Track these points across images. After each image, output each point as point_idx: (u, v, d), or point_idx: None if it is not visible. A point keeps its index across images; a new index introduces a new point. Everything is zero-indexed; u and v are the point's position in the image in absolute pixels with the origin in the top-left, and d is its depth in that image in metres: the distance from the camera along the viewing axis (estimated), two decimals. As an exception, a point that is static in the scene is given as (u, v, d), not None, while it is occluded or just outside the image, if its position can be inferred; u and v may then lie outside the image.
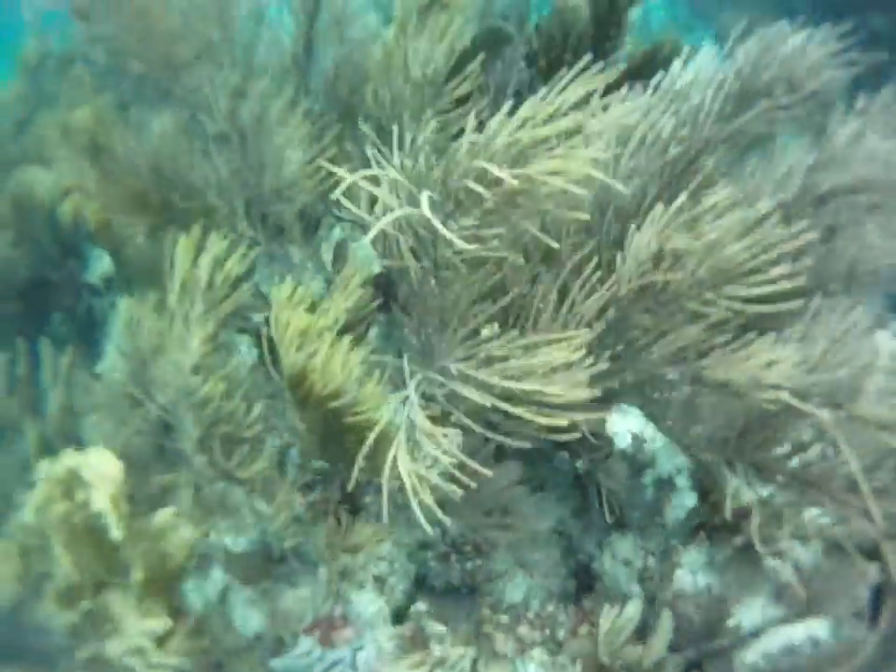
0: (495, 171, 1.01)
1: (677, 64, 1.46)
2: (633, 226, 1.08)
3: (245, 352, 2.07)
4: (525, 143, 1.02)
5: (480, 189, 1.02)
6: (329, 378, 1.34)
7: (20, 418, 1.90)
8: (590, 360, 1.07)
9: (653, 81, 1.45)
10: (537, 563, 1.59)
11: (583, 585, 1.87)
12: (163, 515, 1.42)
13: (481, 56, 1.40)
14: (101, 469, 1.32)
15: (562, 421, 1.06)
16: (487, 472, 1.12)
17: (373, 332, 1.93)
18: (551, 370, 1.06)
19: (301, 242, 1.71)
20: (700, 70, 1.43)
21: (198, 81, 1.59)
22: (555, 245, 1.07)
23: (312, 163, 1.51)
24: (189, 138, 1.68)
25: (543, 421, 1.06)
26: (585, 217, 1.10)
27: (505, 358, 1.07)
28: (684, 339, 1.10)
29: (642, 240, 1.06)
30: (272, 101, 1.45)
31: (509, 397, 1.09)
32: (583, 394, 1.04)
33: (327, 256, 2.03)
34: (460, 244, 1.03)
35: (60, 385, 1.88)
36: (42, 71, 2.57)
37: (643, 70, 1.82)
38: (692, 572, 1.82)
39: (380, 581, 1.82)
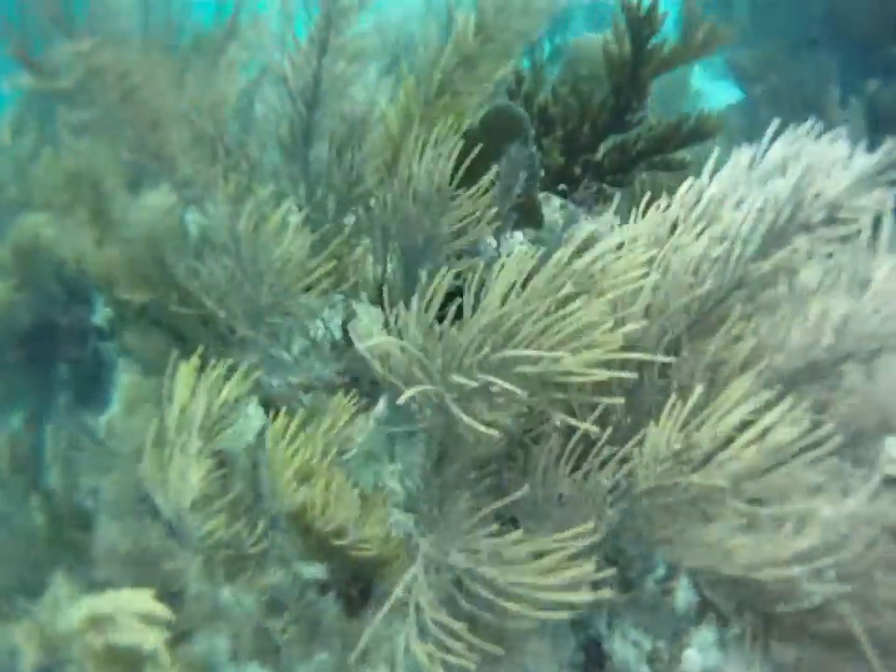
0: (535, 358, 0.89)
1: (706, 174, 1.29)
2: (651, 423, 0.95)
3: (253, 412, 1.97)
4: (558, 340, 0.89)
5: (510, 386, 0.90)
6: (329, 518, 1.24)
7: (24, 493, 1.81)
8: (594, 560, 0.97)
9: (680, 191, 1.29)
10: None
11: (592, 660, 1.81)
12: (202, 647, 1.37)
13: (493, 171, 1.24)
14: (144, 610, 1.23)
15: (562, 614, 0.98)
16: (499, 650, 1.04)
17: (382, 405, 1.82)
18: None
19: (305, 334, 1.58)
20: (730, 184, 1.27)
21: (191, 173, 1.44)
22: (593, 430, 0.96)
23: (313, 272, 1.37)
24: (183, 233, 1.54)
25: (543, 616, 0.99)
26: (620, 401, 0.98)
27: (509, 560, 0.97)
28: (701, 540, 0.98)
29: (661, 437, 0.94)
30: (269, 210, 1.30)
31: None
32: (586, 597, 0.95)
33: (334, 324, 1.91)
34: (480, 428, 0.93)
35: (62, 462, 1.79)
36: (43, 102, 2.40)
37: (666, 145, 1.64)
38: (700, 651, 1.75)
39: (389, 661, 1.76)
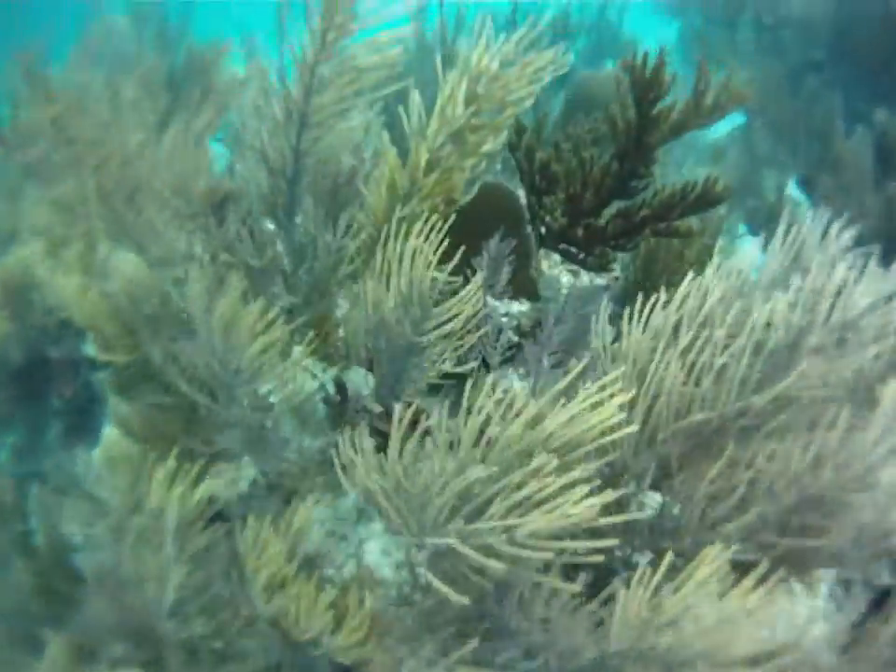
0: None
1: (709, 274, 1.17)
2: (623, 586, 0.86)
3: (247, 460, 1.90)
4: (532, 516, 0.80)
5: (481, 559, 0.81)
6: (304, 629, 1.16)
7: (10, 544, 1.74)
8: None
9: (680, 294, 1.16)
10: None
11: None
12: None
13: (477, 284, 1.12)
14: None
15: None
16: None
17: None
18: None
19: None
20: (734, 289, 1.15)
21: (166, 252, 1.33)
22: (567, 587, 0.87)
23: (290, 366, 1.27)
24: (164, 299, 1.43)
25: None
26: (599, 558, 0.88)
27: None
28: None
29: (632, 605, 0.84)
30: (244, 306, 1.19)
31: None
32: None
33: (329, 387, 1.82)
34: (450, 594, 0.85)
35: (48, 512, 1.71)
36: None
37: (671, 212, 1.50)
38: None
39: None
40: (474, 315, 1.11)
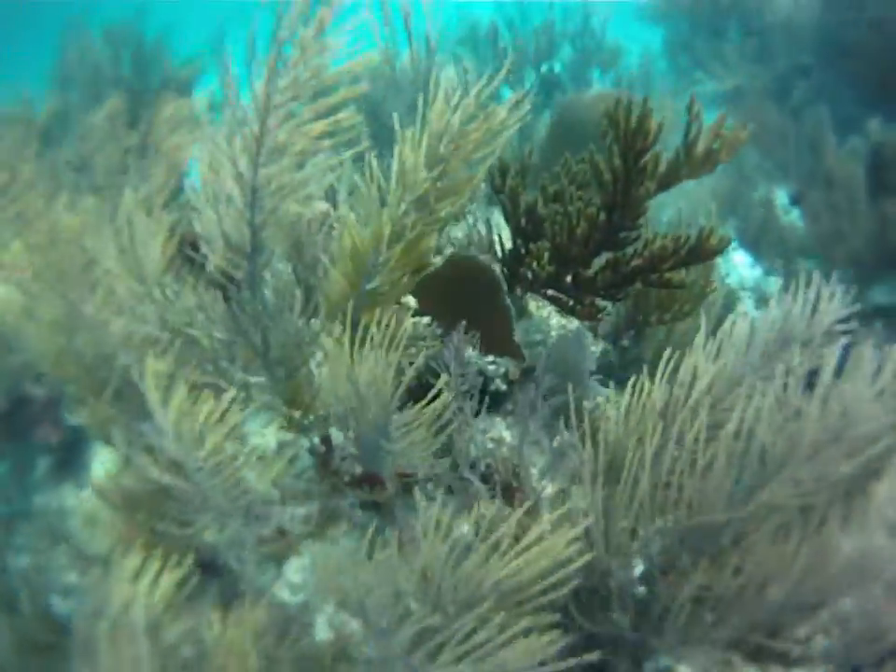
0: None
1: (698, 352, 1.05)
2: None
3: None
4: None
5: None
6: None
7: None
8: None
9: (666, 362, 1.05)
10: None
11: None
12: None
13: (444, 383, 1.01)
14: None
15: None
16: None
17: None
18: None
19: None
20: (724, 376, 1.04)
21: (124, 336, 1.23)
22: None
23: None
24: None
25: None
26: None
27: None
28: None
29: None
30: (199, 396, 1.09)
31: None
32: None
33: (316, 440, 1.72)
34: None
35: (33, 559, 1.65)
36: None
37: (663, 264, 1.37)
38: None
39: None
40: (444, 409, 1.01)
